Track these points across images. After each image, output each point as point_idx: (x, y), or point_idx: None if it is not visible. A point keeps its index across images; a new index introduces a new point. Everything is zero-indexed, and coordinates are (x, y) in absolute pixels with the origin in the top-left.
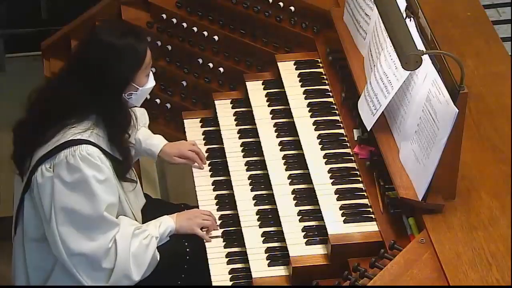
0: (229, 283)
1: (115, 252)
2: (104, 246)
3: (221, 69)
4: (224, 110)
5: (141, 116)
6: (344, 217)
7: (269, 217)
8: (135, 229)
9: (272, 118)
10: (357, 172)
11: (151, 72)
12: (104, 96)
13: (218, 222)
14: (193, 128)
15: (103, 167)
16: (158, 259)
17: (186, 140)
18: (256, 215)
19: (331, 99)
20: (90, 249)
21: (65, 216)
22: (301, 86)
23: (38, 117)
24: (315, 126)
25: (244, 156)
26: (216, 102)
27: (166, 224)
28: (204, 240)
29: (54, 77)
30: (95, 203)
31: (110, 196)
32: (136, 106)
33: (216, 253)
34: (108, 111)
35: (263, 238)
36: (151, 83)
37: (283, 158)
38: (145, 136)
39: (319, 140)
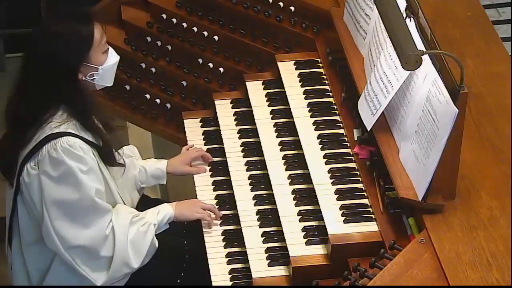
0: (229, 283)
1: (113, 240)
2: (100, 233)
3: (221, 69)
4: (224, 110)
5: (133, 151)
6: (344, 217)
7: (269, 217)
8: (133, 217)
9: (272, 118)
10: (357, 172)
11: (110, 48)
12: (62, 84)
13: (218, 222)
14: (193, 128)
15: (86, 157)
16: (157, 246)
17: (186, 140)
18: (256, 215)
19: (331, 99)
20: (87, 239)
21: (57, 210)
22: (301, 86)
23: (15, 121)
24: (315, 126)
25: (244, 156)
26: (216, 102)
27: (164, 211)
28: (204, 236)
29: (16, 77)
30: (84, 191)
31: (96, 184)
32: (107, 85)
33: (216, 253)
34: (70, 98)
35: (263, 238)
36: (112, 59)
37: (283, 158)
38: (146, 162)
39: (319, 140)
